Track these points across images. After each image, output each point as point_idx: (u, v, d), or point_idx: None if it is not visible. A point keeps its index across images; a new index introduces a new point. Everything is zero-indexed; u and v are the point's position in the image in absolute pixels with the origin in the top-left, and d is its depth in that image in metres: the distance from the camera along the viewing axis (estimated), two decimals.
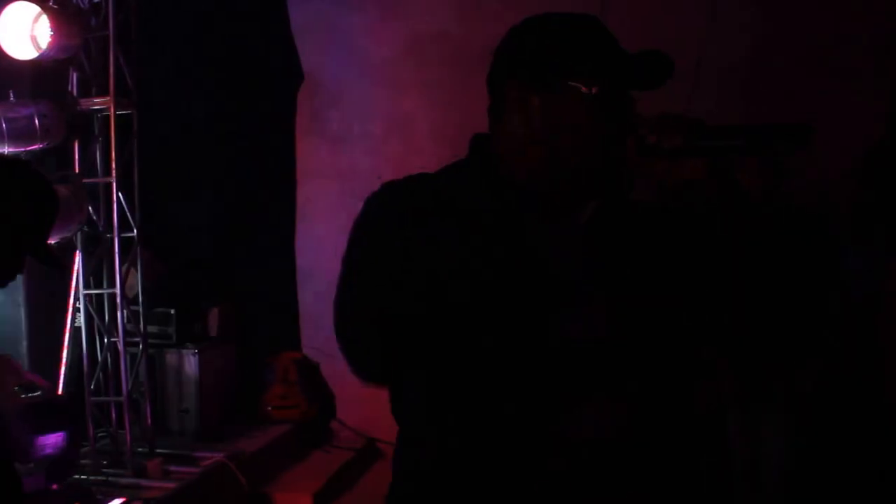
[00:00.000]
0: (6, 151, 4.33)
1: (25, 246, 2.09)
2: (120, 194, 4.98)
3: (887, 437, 3.59)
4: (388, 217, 1.61)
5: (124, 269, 5.04)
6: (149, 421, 5.19)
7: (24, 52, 4.59)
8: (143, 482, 4.73)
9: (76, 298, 5.03)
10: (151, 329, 5.39)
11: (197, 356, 5.62)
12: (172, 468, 4.94)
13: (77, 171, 4.96)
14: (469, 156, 1.70)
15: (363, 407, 5.30)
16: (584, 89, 1.55)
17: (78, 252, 4.98)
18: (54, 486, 4.02)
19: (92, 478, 4.70)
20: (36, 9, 4.54)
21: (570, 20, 1.63)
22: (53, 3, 4.60)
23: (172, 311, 5.63)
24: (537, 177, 1.60)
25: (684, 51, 1.55)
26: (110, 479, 4.73)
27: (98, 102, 4.93)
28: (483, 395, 1.55)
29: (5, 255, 2.05)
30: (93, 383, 5.00)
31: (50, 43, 4.54)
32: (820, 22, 5.25)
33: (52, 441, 4.00)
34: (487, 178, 1.63)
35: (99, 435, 5.05)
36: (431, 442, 1.63)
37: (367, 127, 6.49)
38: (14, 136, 4.40)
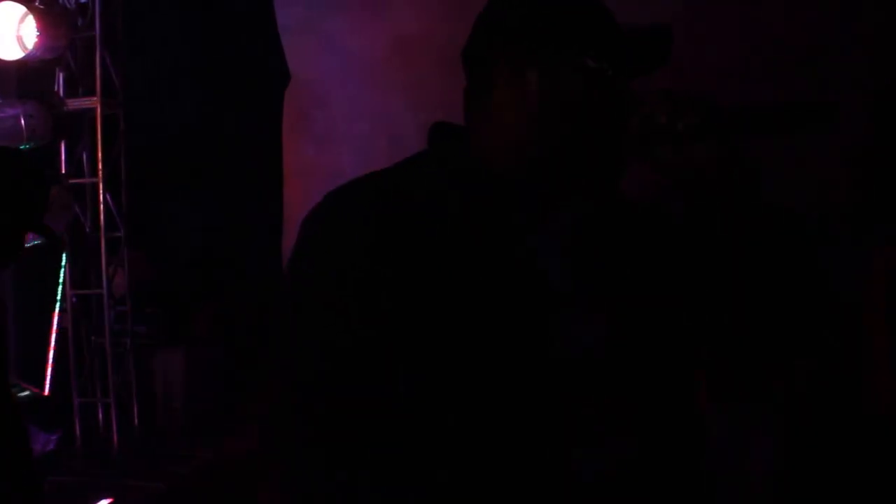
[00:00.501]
0: None
1: (24, 224, 2.11)
2: (107, 194, 4.97)
3: (874, 439, 3.61)
4: (346, 261, 1.23)
5: (111, 269, 5.03)
6: (136, 421, 5.17)
7: (10, 52, 4.58)
8: (131, 482, 4.72)
9: (63, 299, 5.02)
10: (139, 329, 5.38)
11: (185, 356, 5.61)
12: (160, 468, 4.94)
13: (63, 171, 4.96)
14: (432, 149, 1.42)
15: None
16: (592, 64, 1.34)
17: (64, 253, 4.96)
18: None
19: (80, 478, 4.68)
20: (22, 9, 4.53)
21: None
22: (40, 4, 4.59)
23: (160, 312, 5.63)
24: (532, 165, 1.37)
25: (672, 45, 1.46)
26: (98, 478, 4.72)
27: (85, 102, 4.93)
28: (483, 405, 1.53)
29: (5, 235, 2.08)
30: (80, 384, 4.99)
31: (36, 43, 4.52)
32: (817, 19, 5.26)
33: (39, 441, 3.99)
34: (468, 175, 1.38)
35: (86, 435, 5.04)
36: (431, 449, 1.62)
37: (353, 127, 6.47)
38: (0, 136, 4.39)
